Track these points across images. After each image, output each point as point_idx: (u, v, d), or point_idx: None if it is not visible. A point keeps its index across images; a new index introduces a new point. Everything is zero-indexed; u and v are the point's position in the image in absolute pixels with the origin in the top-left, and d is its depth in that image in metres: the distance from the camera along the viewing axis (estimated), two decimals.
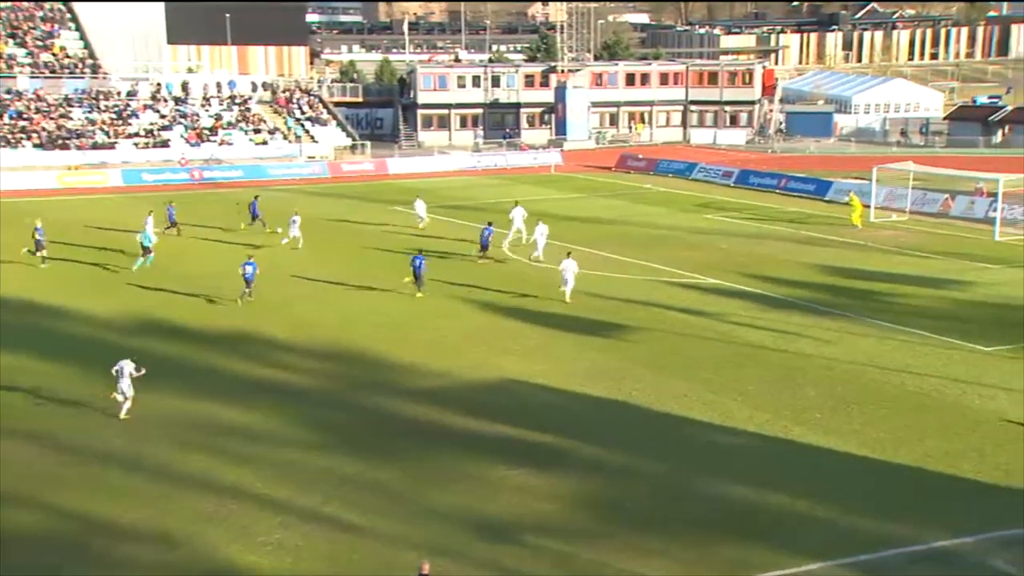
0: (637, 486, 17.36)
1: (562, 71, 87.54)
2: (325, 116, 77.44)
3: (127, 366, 19.84)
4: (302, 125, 75.26)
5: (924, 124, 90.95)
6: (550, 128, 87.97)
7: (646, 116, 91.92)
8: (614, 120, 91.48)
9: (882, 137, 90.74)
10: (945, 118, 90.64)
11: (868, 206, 45.99)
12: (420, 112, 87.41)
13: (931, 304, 30.03)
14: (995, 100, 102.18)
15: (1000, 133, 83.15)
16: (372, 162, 69.90)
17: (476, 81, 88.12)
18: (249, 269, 29.21)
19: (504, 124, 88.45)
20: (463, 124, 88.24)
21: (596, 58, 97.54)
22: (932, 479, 17.53)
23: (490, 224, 35.81)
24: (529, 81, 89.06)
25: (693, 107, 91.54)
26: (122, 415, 19.84)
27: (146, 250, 33.49)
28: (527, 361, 24.18)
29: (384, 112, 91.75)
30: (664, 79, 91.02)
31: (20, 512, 16.17)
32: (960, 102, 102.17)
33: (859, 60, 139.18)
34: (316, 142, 72.84)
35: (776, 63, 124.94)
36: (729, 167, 64.40)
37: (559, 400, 21.70)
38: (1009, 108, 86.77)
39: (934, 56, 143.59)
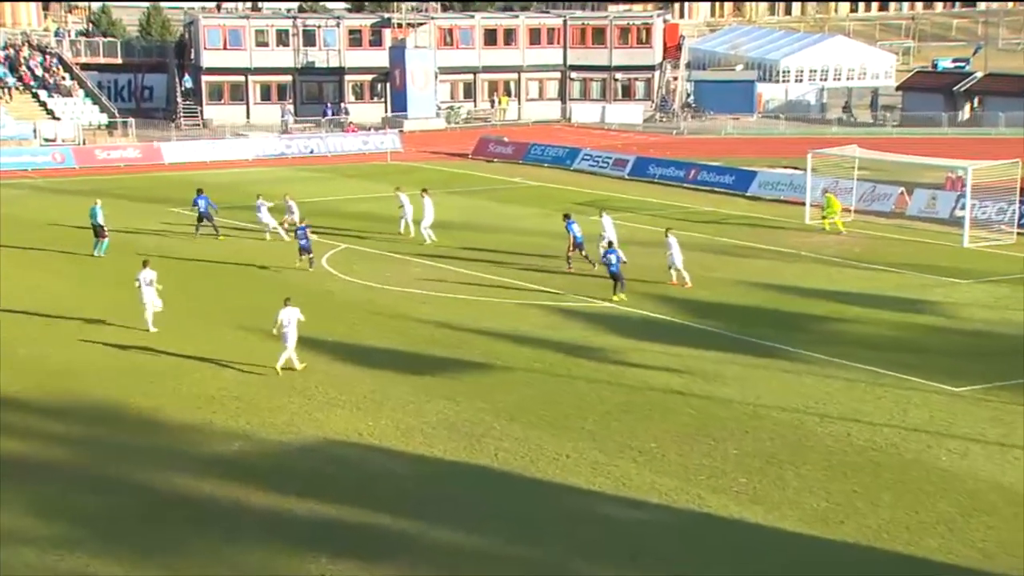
0: None
1: (399, 25, 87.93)
2: (68, 83, 75.39)
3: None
4: (35, 96, 72.99)
5: (872, 96, 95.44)
6: (384, 102, 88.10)
7: (513, 86, 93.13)
8: (470, 92, 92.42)
9: (819, 113, 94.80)
10: (898, 88, 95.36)
11: (848, 209, 47.70)
12: (205, 79, 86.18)
13: (884, 332, 31.41)
14: (961, 64, 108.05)
15: (968, 107, 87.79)
16: (139, 147, 68.56)
17: (282, 37, 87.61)
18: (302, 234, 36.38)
19: (322, 96, 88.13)
20: (266, 96, 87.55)
21: (444, 8, 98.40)
22: (889, 561, 18.20)
23: (569, 216, 38.27)
24: (355, 39, 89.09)
25: (574, 74, 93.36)
26: None
27: None
28: (355, 414, 24.11)
29: (155, 79, 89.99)
30: (535, 37, 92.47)
31: None
32: (917, 67, 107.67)
33: (788, 12, 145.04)
34: (56, 119, 70.79)
35: (681, 16, 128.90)
36: (622, 154, 65.89)
37: (398, 466, 21.68)
38: (979, 75, 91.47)
39: (883, 7, 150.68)
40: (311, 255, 37.32)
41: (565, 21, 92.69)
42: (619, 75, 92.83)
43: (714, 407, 24.86)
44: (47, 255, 39.43)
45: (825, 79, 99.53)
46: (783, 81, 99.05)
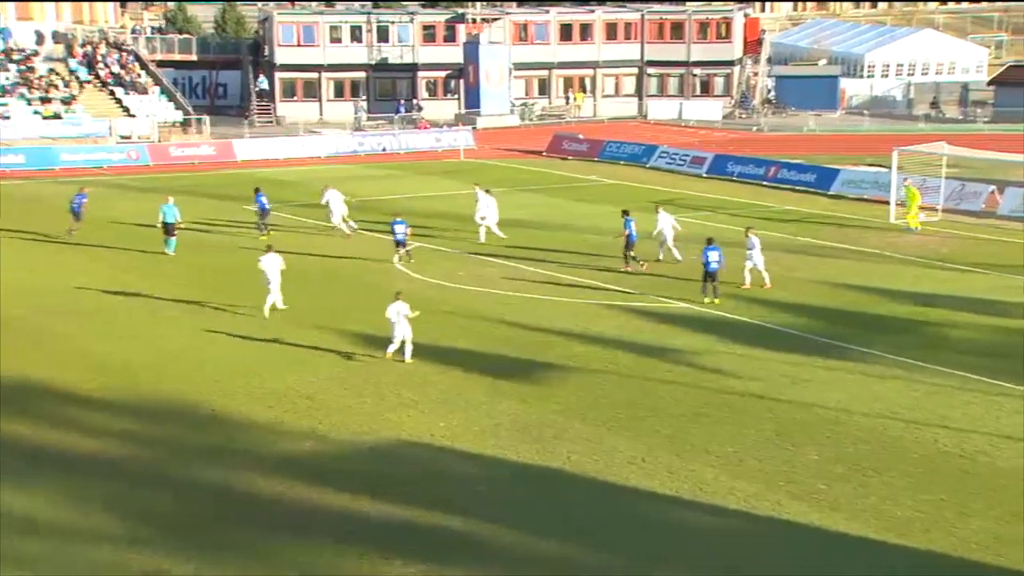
0: None
1: (473, 20, 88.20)
2: (144, 80, 76.59)
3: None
4: (111, 93, 74.23)
5: (962, 91, 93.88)
6: (458, 99, 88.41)
7: (588, 83, 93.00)
8: (545, 88, 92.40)
9: (905, 109, 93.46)
10: (990, 82, 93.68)
11: (936, 208, 47.12)
12: (279, 76, 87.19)
13: (973, 335, 30.91)
14: None
15: None
16: (213, 144, 69.46)
17: (356, 34, 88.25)
18: (400, 229, 37.12)
19: (396, 93, 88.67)
20: (339, 93, 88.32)
21: (519, 3, 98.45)
22: (977, 573, 17.92)
23: (628, 214, 37.94)
24: (429, 35, 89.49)
25: (651, 70, 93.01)
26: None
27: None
28: (427, 415, 24.19)
29: (228, 76, 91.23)
30: (612, 31, 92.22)
31: None
32: (1011, 61, 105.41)
33: (874, 6, 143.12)
34: (132, 117, 71.96)
35: (763, 10, 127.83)
36: (700, 151, 65.56)
37: (471, 468, 21.72)
38: None
39: None
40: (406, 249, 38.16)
41: (643, 15, 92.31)
42: (697, 71, 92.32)
43: (794, 411, 24.62)
44: (117, 252, 40.03)
45: (912, 74, 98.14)
46: (868, 76, 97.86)
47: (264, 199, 43.51)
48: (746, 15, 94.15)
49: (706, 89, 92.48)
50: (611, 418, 24.16)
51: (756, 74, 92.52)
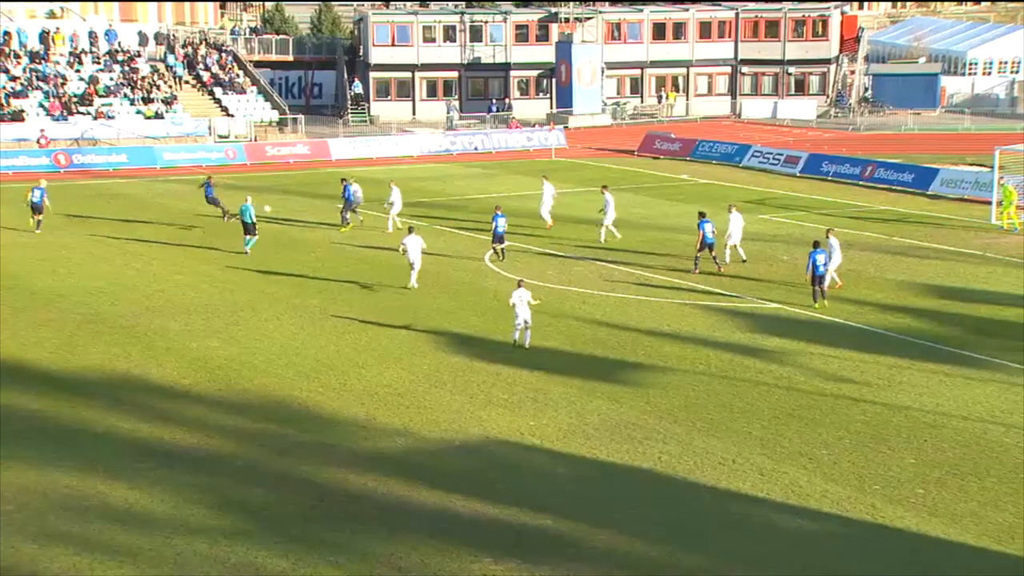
0: None
1: (566, 20, 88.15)
2: (242, 80, 77.74)
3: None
4: (211, 93, 75.45)
5: None
6: (550, 98, 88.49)
7: (681, 82, 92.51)
8: (637, 87, 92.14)
9: (1009, 108, 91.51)
10: None
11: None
12: (373, 76, 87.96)
13: None
14: None
15: None
16: (308, 143, 70.28)
17: (450, 33, 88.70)
18: (502, 223, 37.92)
19: (488, 92, 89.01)
20: (432, 92, 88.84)
21: (612, 2, 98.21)
22: None
23: (704, 215, 37.50)
24: (521, 34, 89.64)
25: (745, 69, 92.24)
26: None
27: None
28: (516, 414, 24.23)
29: (324, 76, 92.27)
30: (706, 30, 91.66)
31: None
32: None
33: (977, 2, 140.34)
34: (230, 116, 73.10)
35: (860, 7, 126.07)
36: (795, 150, 64.91)
37: (561, 467, 21.71)
38: None
39: None
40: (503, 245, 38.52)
41: (737, 14, 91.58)
42: (792, 69, 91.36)
43: (890, 414, 24.25)
44: (215, 251, 40.60)
45: (1017, 71, 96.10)
46: (970, 74, 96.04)
47: (352, 190, 43.98)
48: (843, 13, 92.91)
49: (801, 88, 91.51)
50: (702, 419, 24.01)
51: (853, 72, 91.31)
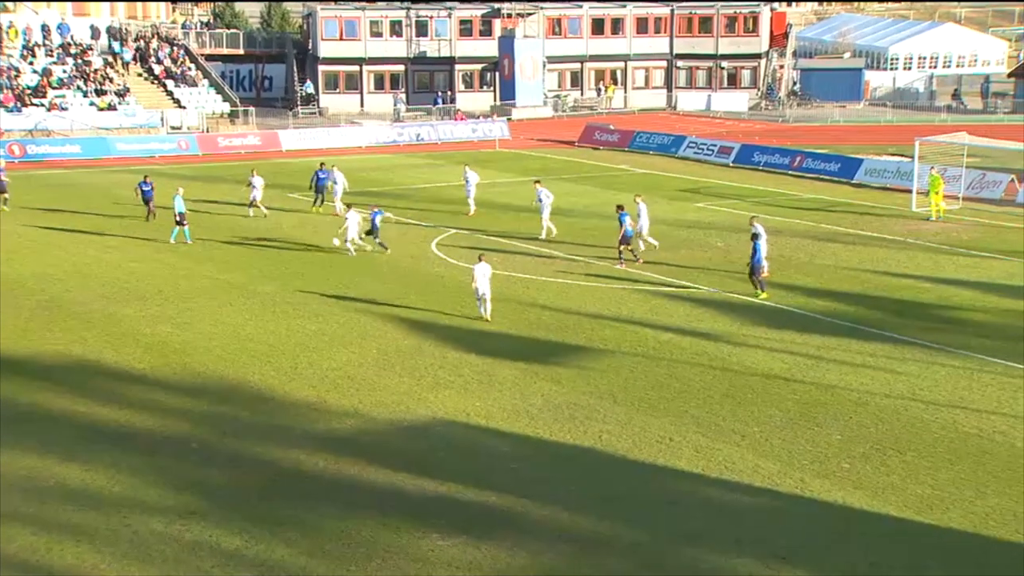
0: (609, 559, 17.43)
1: (509, 15, 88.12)
2: (194, 73, 76.91)
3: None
4: (163, 85, 74.58)
5: (983, 83, 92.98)
6: (493, 91, 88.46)
7: (619, 75, 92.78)
8: (577, 80, 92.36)
9: (928, 100, 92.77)
10: (1011, 75, 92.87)
11: (956, 197, 46.67)
12: (322, 69, 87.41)
13: (992, 319, 30.67)
14: None
15: None
16: (258, 134, 69.72)
17: (396, 28, 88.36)
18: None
19: (433, 85, 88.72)
20: (379, 85, 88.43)
21: None
22: (994, 549, 17.82)
23: (622, 208, 36.62)
24: (466, 29, 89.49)
25: (680, 63, 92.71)
26: None
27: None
28: (463, 395, 24.23)
29: (274, 69, 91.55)
30: (643, 26, 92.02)
31: None
32: None
33: (897, 0, 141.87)
34: (182, 108, 72.31)
35: (788, 4, 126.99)
36: (727, 141, 65.34)
37: (505, 446, 21.75)
38: None
39: None
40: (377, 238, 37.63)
41: (672, 10, 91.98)
42: (725, 63, 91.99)
43: (817, 393, 24.51)
44: (166, 240, 40.15)
45: (935, 66, 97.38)
46: (891, 69, 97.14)
47: (324, 175, 44.84)
48: (772, 10, 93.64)
49: (733, 81, 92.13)
50: (641, 399, 24.13)
51: (782, 67, 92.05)
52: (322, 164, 46.47)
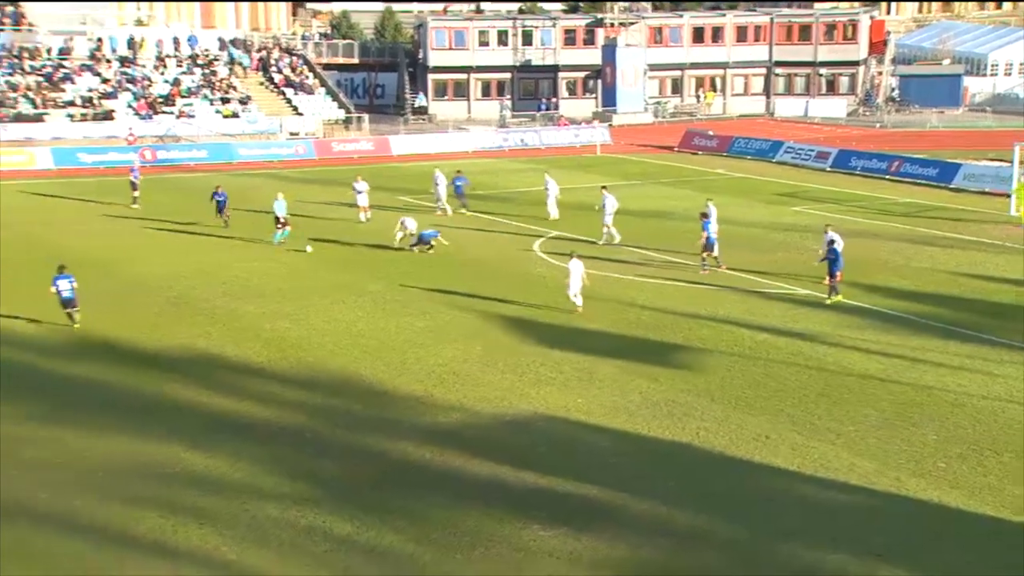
0: (706, 555, 17.29)
1: (611, 25, 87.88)
2: (311, 82, 78.12)
3: None
4: (282, 93, 75.88)
5: None
6: (595, 98, 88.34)
7: (719, 82, 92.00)
8: (677, 87, 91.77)
9: None
10: None
11: None
12: (431, 77, 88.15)
13: None
14: None
15: None
16: (371, 140, 70.50)
17: (503, 38, 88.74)
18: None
19: (538, 92, 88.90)
20: (486, 92, 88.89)
21: (655, 8, 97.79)
22: None
23: (707, 216, 35.76)
24: (570, 38, 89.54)
25: (779, 70, 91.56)
26: None
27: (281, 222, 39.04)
28: (564, 392, 24.22)
29: (386, 77, 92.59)
30: (742, 34, 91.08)
31: None
32: None
33: (998, 6, 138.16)
34: (300, 115, 73.48)
35: (888, 12, 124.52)
36: (825, 147, 64.34)
37: (604, 442, 21.69)
38: None
39: None
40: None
41: (772, 19, 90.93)
42: (823, 70, 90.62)
43: (913, 393, 24.00)
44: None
45: None
46: (991, 75, 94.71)
47: (462, 181, 45.11)
48: (872, 17, 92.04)
49: (831, 88, 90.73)
50: (737, 397, 23.88)
51: (880, 73, 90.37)
52: (459, 171, 46.70)
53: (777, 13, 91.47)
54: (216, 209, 42.82)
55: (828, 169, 60.25)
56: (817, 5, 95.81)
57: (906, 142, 68.77)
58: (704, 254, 35.37)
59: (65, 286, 28.37)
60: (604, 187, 40.96)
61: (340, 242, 40.16)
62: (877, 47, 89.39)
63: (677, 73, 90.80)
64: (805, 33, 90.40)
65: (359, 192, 43.83)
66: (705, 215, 35.72)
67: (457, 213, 45.23)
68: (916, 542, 17.58)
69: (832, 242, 31.78)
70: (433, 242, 37.92)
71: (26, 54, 71.46)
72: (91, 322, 29.32)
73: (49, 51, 72.75)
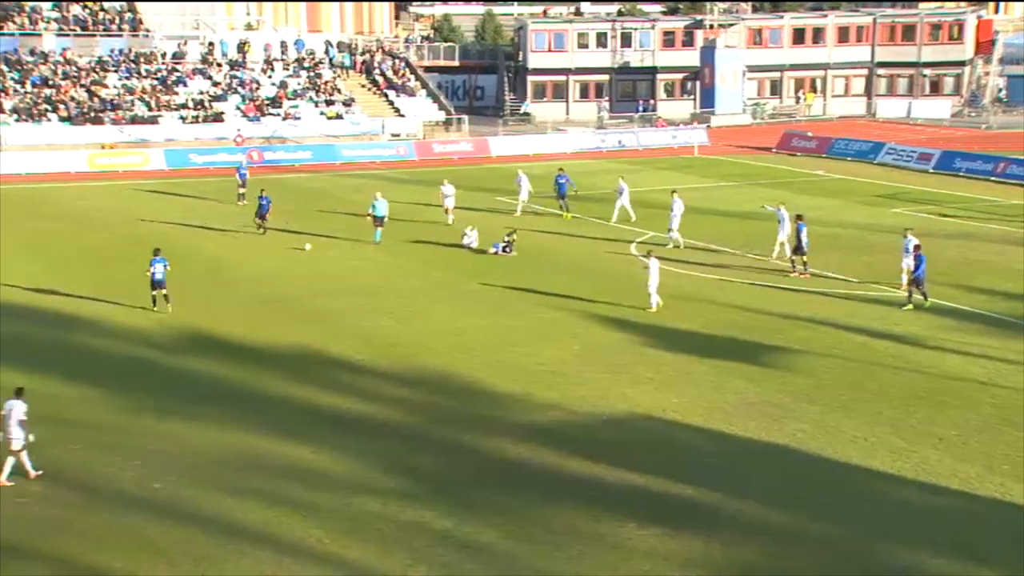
0: (803, 556, 17.09)
1: (710, 26, 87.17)
2: (413, 84, 78.80)
3: (17, 408, 19.41)
4: (385, 95, 76.69)
5: None
6: (694, 99, 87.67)
7: (819, 83, 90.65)
8: (776, 89, 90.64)
9: None
10: None
11: None
12: (531, 79, 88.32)
13: None
14: None
15: None
16: (470, 141, 70.85)
17: (601, 40, 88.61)
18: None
19: (636, 94, 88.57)
20: (584, 94, 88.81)
21: (754, 9, 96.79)
22: None
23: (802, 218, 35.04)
24: (668, 40, 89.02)
25: (881, 71, 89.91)
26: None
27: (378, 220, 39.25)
28: (662, 392, 24.12)
29: (486, 79, 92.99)
30: (844, 35, 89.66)
31: (23, 569, 16.82)
32: None
33: None
34: (402, 116, 74.17)
35: (996, 11, 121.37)
36: (928, 148, 63.04)
37: (702, 442, 21.56)
38: None
39: None
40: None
41: (875, 19, 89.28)
42: (927, 71, 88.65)
43: (1017, 397, 23.42)
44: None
45: None
46: None
47: (563, 179, 44.67)
48: (979, 17, 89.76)
49: (935, 89, 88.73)
50: (835, 399, 23.55)
51: (987, 73, 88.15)
52: (561, 169, 46.56)
53: (880, 13, 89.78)
54: (257, 213, 41.25)
55: (931, 171, 59.00)
56: (922, 5, 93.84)
57: (1013, 143, 66.96)
58: (794, 257, 34.81)
59: (159, 269, 29.95)
60: (674, 191, 40.40)
61: (437, 243, 40.41)
62: (984, 47, 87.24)
63: (776, 74, 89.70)
64: (909, 33, 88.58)
65: (446, 195, 43.98)
66: (800, 218, 35.04)
67: (557, 214, 44.95)
68: (1021, 548, 17.15)
69: (918, 247, 31.04)
70: (504, 243, 38.04)
71: (142, 58, 73.31)
72: (198, 317, 30.02)
73: (163, 55, 74.50)
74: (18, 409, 19.50)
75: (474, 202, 48.18)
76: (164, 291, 30.07)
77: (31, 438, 19.52)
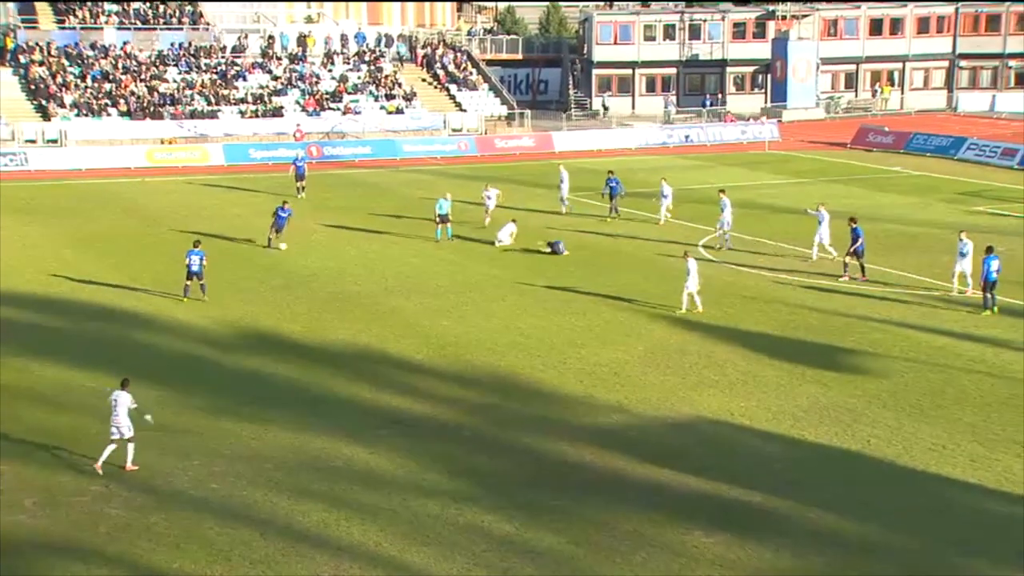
0: (876, 566, 16.91)
1: (783, 17, 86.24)
2: (475, 78, 78.94)
3: (123, 398, 20.23)
4: (446, 90, 76.94)
5: None
6: (765, 93, 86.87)
7: (896, 76, 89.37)
8: (851, 82, 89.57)
9: None
10: None
11: None
12: (596, 72, 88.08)
13: None
14: None
15: None
16: (533, 136, 70.84)
17: (669, 32, 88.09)
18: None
19: (704, 88, 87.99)
20: (650, 88, 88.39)
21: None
22: None
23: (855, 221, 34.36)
24: (739, 31, 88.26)
25: (963, 63, 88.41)
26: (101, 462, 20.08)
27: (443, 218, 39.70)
28: (728, 395, 23.98)
29: (549, 73, 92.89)
30: (923, 26, 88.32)
31: (85, 569, 17.10)
32: None
33: None
34: (463, 111, 74.35)
35: None
36: (1012, 143, 61.89)
37: (770, 447, 21.40)
38: None
39: None
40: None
41: (957, 9, 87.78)
42: (1013, 62, 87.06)
43: None
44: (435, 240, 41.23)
45: None
46: None
47: (614, 182, 44.30)
48: None
49: (1021, 81, 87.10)
50: (912, 404, 23.26)
51: None
52: (611, 171, 46.09)
53: (963, 4, 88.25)
54: (273, 225, 38.82)
55: (1016, 167, 57.98)
56: None
57: None
58: (847, 259, 33.93)
59: (195, 260, 31.26)
60: (722, 190, 39.80)
61: (495, 242, 40.46)
62: None
63: (851, 67, 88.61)
64: (994, 23, 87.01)
65: (488, 198, 43.82)
66: (854, 220, 34.19)
67: (610, 218, 44.32)
68: None
69: (989, 248, 30.43)
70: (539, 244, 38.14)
71: (202, 52, 74.24)
72: (257, 315, 30.38)
73: (223, 49, 75.36)
74: (124, 399, 20.22)
75: (537, 202, 48.17)
76: (202, 281, 31.39)
77: (148, 418, 20.39)
